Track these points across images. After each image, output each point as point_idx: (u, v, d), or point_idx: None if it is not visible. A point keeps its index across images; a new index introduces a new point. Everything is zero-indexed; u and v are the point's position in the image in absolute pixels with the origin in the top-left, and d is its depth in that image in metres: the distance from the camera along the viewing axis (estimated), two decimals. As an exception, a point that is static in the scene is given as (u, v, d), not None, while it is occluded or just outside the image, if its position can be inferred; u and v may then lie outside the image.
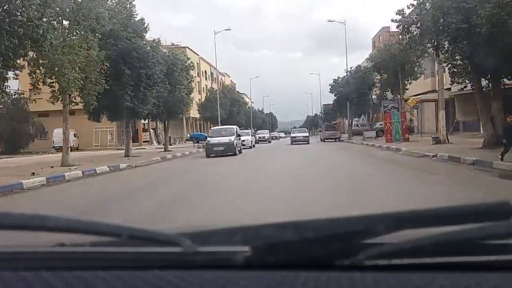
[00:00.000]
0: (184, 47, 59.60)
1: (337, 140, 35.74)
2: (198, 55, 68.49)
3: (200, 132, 52.67)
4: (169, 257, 0.74)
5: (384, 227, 0.71)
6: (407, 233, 0.71)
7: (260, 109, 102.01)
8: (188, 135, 49.52)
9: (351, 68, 35.93)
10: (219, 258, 0.72)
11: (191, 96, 26.60)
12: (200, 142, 41.86)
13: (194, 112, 48.80)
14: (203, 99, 55.80)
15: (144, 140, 45.12)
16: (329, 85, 36.35)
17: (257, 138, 40.02)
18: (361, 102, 32.94)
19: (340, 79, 37.07)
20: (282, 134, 73.53)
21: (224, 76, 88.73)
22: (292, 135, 36.53)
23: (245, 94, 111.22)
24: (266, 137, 42.88)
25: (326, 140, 36.24)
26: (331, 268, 0.68)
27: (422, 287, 0.63)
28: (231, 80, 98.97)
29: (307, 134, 36.48)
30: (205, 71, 67.28)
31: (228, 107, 44.60)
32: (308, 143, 33.57)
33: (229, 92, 49.95)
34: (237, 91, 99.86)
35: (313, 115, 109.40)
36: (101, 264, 0.73)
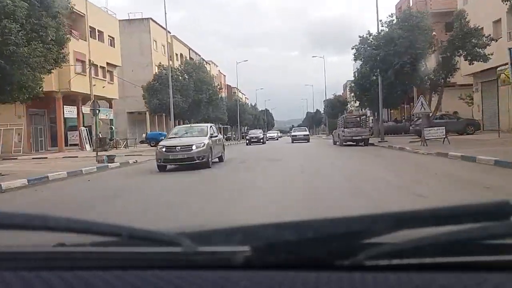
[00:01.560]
0: (147, 19, 45.54)
1: (364, 143, 21.96)
2: (170, 32, 54.35)
3: (158, 130, 38.52)
4: (169, 257, 0.74)
5: (384, 227, 0.70)
6: (407, 233, 0.70)
7: (253, 104, 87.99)
8: (144, 135, 35.70)
9: (391, 15, 20.44)
10: (219, 258, 0.71)
11: (63, 51, 12.75)
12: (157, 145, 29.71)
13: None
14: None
15: (73, 143, 30.96)
16: (353, 48, 22.04)
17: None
18: (415, 74, 18.81)
19: (371, 36, 21.13)
20: (275, 134, 55.68)
21: (210, 64, 74.99)
22: (293, 133, 37.87)
23: (237, 89, 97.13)
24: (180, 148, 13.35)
25: (345, 143, 22.36)
26: (331, 268, 0.68)
27: (422, 287, 0.63)
28: (219, 71, 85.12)
29: (307, 133, 37.28)
30: (181, 54, 53.20)
31: (192, 92, 30.21)
32: (308, 141, 34.22)
33: (195, 70, 32.74)
34: (225, 82, 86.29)
35: (314, 111, 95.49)
36: (101, 264, 0.73)
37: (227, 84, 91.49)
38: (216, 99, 35.08)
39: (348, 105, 57.33)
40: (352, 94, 32.49)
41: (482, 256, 0.70)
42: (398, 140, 22.71)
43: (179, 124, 40.88)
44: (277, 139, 51.27)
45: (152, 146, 33.39)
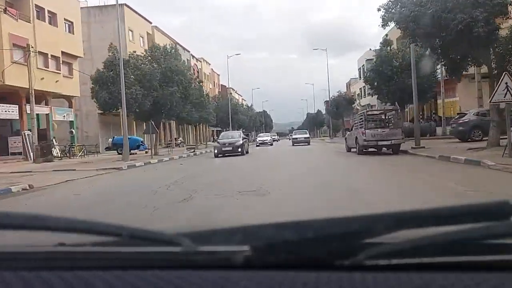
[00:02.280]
0: (121, 5, 39.26)
1: (392, 150, 15.90)
2: (151, 23, 48.48)
3: (137, 134, 32.10)
4: (169, 257, 0.74)
5: (384, 227, 0.70)
6: (407, 233, 0.70)
7: (250, 105, 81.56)
8: (109, 140, 29.43)
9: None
10: (219, 258, 0.72)
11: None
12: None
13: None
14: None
15: (16, 151, 24.79)
16: (380, 9, 14.39)
17: None
18: (491, 38, 11.89)
19: None
20: (268, 138, 41.70)
21: (201, 61, 68.93)
22: (294, 136, 37.75)
23: (233, 89, 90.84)
24: None
25: (365, 150, 16.30)
26: (331, 268, 0.68)
27: (422, 287, 0.63)
28: (212, 69, 79.01)
29: (307, 135, 36.93)
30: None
31: (160, 84, 22.57)
32: (309, 143, 33.59)
33: (165, 57, 24.33)
34: (218, 81, 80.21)
35: (315, 112, 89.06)
36: (101, 264, 0.73)
37: (221, 84, 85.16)
38: (196, 94, 28.41)
39: (355, 104, 50.95)
40: (367, 85, 25.09)
41: (482, 256, 0.70)
42: (439, 146, 16.49)
43: (140, 126, 33.34)
44: (271, 144, 39.74)
45: (119, 153, 26.96)
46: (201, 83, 30.57)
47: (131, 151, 28.11)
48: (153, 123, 21.37)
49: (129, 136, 29.07)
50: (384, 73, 21.56)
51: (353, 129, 18.20)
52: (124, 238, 0.72)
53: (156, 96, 21.78)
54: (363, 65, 55.81)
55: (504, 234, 0.69)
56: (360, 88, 57.67)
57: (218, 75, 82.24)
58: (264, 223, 0.74)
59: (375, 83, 22.73)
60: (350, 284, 0.63)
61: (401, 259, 0.67)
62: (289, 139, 57.52)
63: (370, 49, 54.32)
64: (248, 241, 0.71)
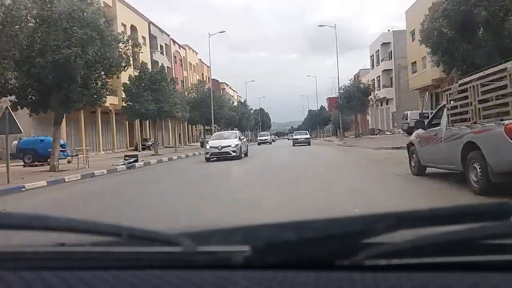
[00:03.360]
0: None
1: None
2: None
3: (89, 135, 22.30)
4: (169, 257, 0.74)
5: (384, 227, 0.71)
6: (407, 233, 0.70)
7: (243, 100, 72.07)
8: (15, 143, 19.78)
9: None
10: (219, 258, 0.72)
11: None
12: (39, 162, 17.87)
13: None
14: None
15: None
16: None
17: None
18: None
19: None
20: (234, 142, 18.81)
21: (185, 49, 59.75)
22: (294, 137, 37.41)
23: (226, 84, 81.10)
24: None
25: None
26: (331, 268, 0.68)
27: (422, 287, 0.63)
28: (200, 60, 69.87)
29: (308, 136, 36.75)
30: (132, 27, 37.62)
31: (24, 41, 11.33)
32: (309, 144, 33.37)
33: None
34: (209, 75, 71.33)
35: (318, 108, 79.49)
36: (101, 264, 0.73)
37: (213, 79, 75.67)
38: (154, 77, 18.93)
39: (372, 95, 41.08)
40: (427, 47, 14.85)
41: (482, 256, 0.70)
42: None
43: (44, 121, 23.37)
44: (242, 155, 19.43)
45: (26, 163, 17.16)
46: (139, 49, 17.23)
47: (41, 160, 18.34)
48: (12, 113, 11.72)
49: (42, 137, 19.63)
50: (463, 25, 11.72)
51: (449, 122, 7.34)
52: (123, 238, 0.71)
53: (30, 63, 12.08)
54: (378, 50, 47.00)
55: (503, 234, 0.69)
56: (373, 79, 48.54)
57: (208, 67, 72.75)
58: (264, 223, 0.74)
59: (442, 44, 12.58)
60: (350, 284, 0.63)
61: (401, 259, 0.67)
62: (288, 139, 55.29)
63: (389, 30, 45.55)
64: (248, 241, 0.70)
